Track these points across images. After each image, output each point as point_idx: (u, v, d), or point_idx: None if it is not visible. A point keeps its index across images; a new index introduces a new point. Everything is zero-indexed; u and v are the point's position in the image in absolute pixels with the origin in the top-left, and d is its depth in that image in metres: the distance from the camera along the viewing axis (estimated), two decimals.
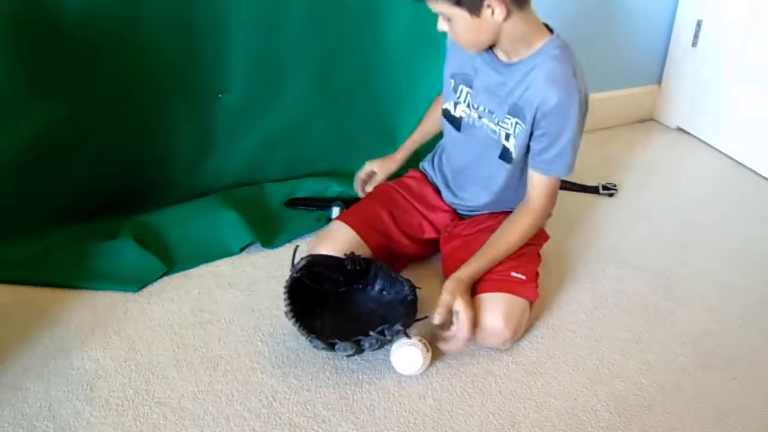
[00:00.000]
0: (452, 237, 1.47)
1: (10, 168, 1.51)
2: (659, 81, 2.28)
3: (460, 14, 1.16)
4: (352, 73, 1.73)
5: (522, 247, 1.35)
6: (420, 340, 1.24)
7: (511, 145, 1.32)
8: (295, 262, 1.29)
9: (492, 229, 1.37)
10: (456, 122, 1.40)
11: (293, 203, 1.72)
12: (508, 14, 1.15)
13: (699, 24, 2.09)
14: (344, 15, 1.63)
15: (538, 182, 1.32)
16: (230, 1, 1.51)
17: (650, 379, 1.27)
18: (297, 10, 1.57)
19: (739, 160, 2.06)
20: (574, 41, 2.01)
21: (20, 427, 1.13)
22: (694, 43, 2.12)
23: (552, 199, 1.36)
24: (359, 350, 1.20)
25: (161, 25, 1.49)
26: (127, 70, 1.53)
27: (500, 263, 1.32)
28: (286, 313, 1.21)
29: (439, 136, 1.56)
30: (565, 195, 1.85)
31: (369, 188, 1.61)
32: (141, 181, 1.67)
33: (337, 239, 1.41)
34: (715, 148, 2.14)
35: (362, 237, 1.41)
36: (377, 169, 1.61)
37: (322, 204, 1.70)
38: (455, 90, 1.38)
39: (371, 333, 1.18)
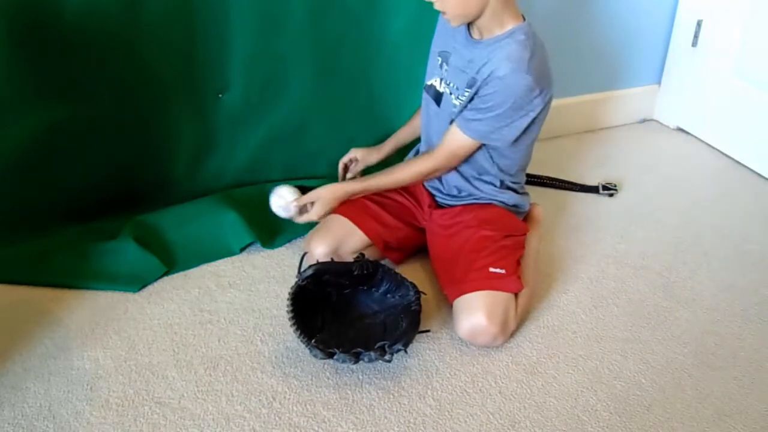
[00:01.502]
0: (431, 223, 1.50)
1: (11, 168, 1.51)
2: (659, 81, 2.28)
3: None
4: (352, 73, 1.73)
5: (500, 240, 1.38)
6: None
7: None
8: (302, 269, 1.28)
9: (467, 224, 1.42)
10: (439, 97, 1.44)
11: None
12: None
13: (699, 24, 2.09)
14: (344, 15, 1.63)
15: (451, 133, 1.37)
16: (230, 1, 1.51)
17: (650, 379, 1.27)
18: (297, 10, 1.57)
19: (739, 160, 2.06)
20: (575, 41, 2.03)
21: (20, 427, 1.13)
22: (694, 43, 2.12)
23: (455, 155, 1.40)
24: (357, 361, 1.21)
25: (161, 25, 1.49)
26: (127, 71, 1.53)
27: (478, 260, 1.34)
28: (288, 320, 1.21)
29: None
30: (565, 195, 1.86)
31: (349, 175, 1.66)
32: (141, 181, 1.67)
33: (332, 229, 1.44)
34: (715, 148, 2.14)
35: (357, 224, 1.44)
36: (359, 157, 1.65)
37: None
38: (441, 66, 1.42)
39: (371, 352, 1.19)
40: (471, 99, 1.33)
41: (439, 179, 1.50)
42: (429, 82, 1.46)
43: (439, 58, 1.43)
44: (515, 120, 1.31)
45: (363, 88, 1.76)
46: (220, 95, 1.64)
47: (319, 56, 1.67)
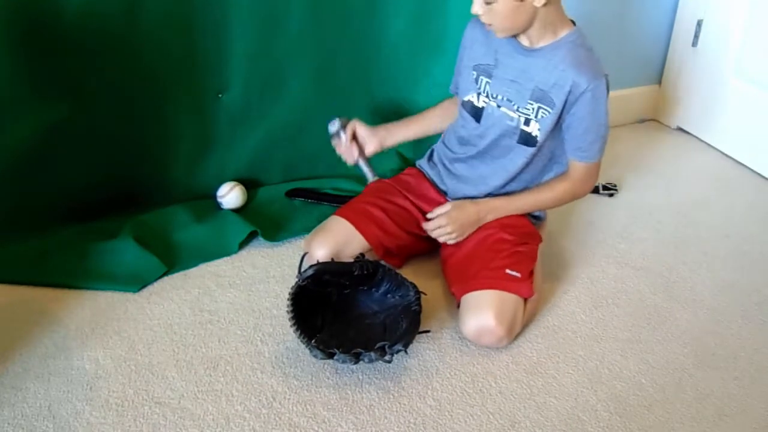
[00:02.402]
0: None
1: (11, 168, 1.51)
2: (659, 81, 2.28)
3: None
4: (352, 73, 1.73)
5: (517, 245, 1.37)
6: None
7: (533, 129, 1.35)
8: (302, 269, 1.28)
9: (486, 226, 1.42)
10: (478, 113, 1.42)
11: (293, 194, 1.74)
12: (547, 1, 1.22)
13: (699, 24, 2.09)
14: (344, 15, 1.63)
15: (579, 168, 1.39)
16: (230, 1, 1.51)
17: (650, 379, 1.27)
18: (297, 10, 1.58)
19: (739, 160, 2.06)
20: None
21: (20, 427, 1.13)
22: (694, 43, 2.12)
23: (593, 179, 1.42)
24: (357, 362, 1.21)
25: (161, 25, 1.49)
26: (127, 71, 1.53)
27: (495, 260, 1.34)
28: (288, 320, 1.21)
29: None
30: None
31: (364, 165, 1.61)
32: (141, 180, 1.67)
33: (333, 232, 1.43)
34: (715, 148, 2.14)
35: (358, 228, 1.42)
36: (367, 136, 1.58)
37: (322, 197, 1.71)
38: (476, 81, 1.41)
39: (371, 352, 1.19)
40: (559, 119, 1.32)
41: (472, 182, 1.48)
42: (465, 98, 1.44)
43: (474, 73, 1.40)
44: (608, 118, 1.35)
45: (363, 88, 1.76)
46: (219, 95, 1.64)
47: (319, 56, 1.67)
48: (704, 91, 2.14)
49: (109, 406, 1.17)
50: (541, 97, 1.31)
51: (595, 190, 1.87)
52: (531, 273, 1.36)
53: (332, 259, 1.36)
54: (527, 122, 1.35)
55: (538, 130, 1.34)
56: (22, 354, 1.27)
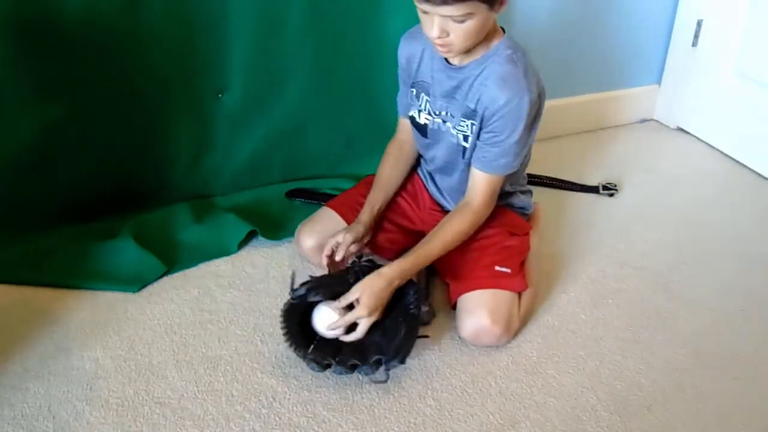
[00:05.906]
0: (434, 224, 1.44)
1: (11, 168, 1.51)
2: (659, 81, 2.28)
3: (483, 9, 1.12)
4: (352, 73, 1.73)
5: (506, 240, 1.37)
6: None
7: (469, 144, 1.32)
8: (294, 286, 1.28)
9: (480, 244, 1.38)
10: (422, 129, 1.40)
11: (293, 194, 1.74)
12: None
13: (699, 24, 2.09)
14: (344, 15, 1.63)
15: (480, 180, 1.30)
16: (230, 1, 1.51)
17: (650, 379, 1.27)
18: (296, 10, 1.57)
19: (739, 160, 2.06)
20: (575, 41, 2.02)
21: (20, 427, 1.13)
22: (694, 43, 2.12)
23: (493, 197, 1.32)
24: (353, 372, 1.21)
25: (161, 25, 1.49)
26: (127, 71, 1.53)
27: (484, 258, 1.33)
28: (282, 335, 1.21)
29: None
30: (565, 195, 1.86)
31: (338, 257, 1.35)
32: (141, 180, 1.67)
33: (321, 223, 1.44)
34: (715, 148, 2.14)
35: (347, 221, 1.42)
36: (344, 240, 1.35)
37: (322, 198, 1.71)
38: (417, 98, 1.38)
39: (368, 366, 1.18)
40: (478, 134, 1.28)
41: (443, 196, 1.48)
42: (410, 114, 1.42)
43: (414, 90, 1.38)
44: (531, 136, 1.29)
45: (363, 88, 1.76)
46: (220, 95, 1.63)
47: (319, 56, 1.66)
48: (704, 91, 2.14)
49: (109, 406, 1.17)
50: (470, 114, 1.28)
51: (595, 190, 1.87)
52: (522, 266, 1.36)
53: (328, 270, 1.35)
54: (465, 138, 1.32)
55: (470, 144, 1.31)
56: (22, 354, 1.27)
